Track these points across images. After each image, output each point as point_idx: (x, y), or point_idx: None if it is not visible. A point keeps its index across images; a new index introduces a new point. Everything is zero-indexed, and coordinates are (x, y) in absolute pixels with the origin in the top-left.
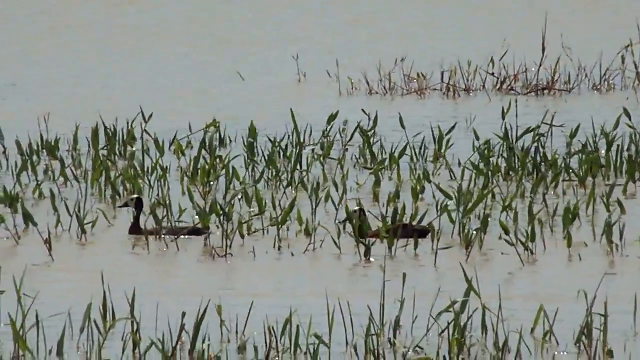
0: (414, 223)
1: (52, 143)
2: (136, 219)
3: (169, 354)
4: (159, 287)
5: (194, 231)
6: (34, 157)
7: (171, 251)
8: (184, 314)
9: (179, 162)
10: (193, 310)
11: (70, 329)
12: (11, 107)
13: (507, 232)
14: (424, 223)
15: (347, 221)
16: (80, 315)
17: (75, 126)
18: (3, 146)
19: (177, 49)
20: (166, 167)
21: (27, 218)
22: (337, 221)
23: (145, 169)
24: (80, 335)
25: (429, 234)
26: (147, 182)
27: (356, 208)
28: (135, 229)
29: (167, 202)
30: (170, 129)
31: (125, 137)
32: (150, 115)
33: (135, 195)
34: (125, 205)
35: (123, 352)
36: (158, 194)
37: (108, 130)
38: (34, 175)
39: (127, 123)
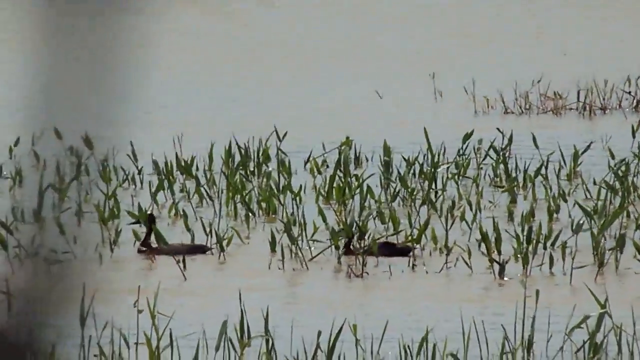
0: (395, 242)
1: (188, 162)
2: (147, 235)
3: None
4: (294, 305)
5: (196, 249)
6: (170, 177)
7: (306, 270)
8: (319, 333)
9: (314, 180)
10: (328, 329)
11: (204, 348)
12: (147, 129)
13: None
14: (559, 242)
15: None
16: (214, 334)
17: (209, 145)
18: (137, 167)
19: (312, 65)
20: (300, 186)
21: (159, 238)
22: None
23: (280, 188)
24: (215, 354)
25: (410, 253)
26: (281, 201)
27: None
28: (145, 244)
29: (302, 220)
30: (305, 148)
31: (259, 155)
32: (285, 134)
33: (148, 213)
34: (137, 222)
35: None
36: (292, 213)
37: (241, 149)
38: (170, 194)
39: (261, 142)
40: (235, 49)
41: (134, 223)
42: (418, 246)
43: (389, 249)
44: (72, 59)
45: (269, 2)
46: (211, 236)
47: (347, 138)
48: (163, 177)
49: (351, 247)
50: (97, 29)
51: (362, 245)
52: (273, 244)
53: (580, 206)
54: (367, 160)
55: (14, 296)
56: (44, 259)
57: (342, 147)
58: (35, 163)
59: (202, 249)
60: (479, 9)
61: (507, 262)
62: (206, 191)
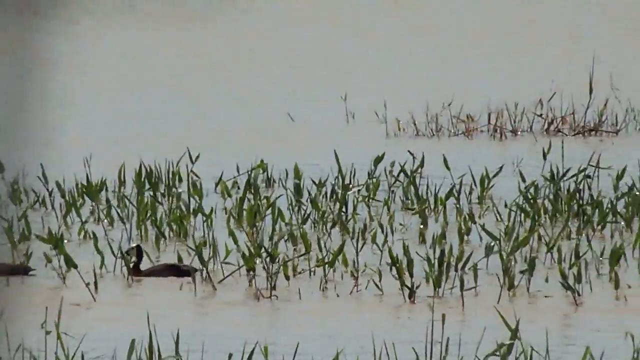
0: (180, 264)
1: (97, 184)
2: (136, 264)
3: None
4: (204, 328)
5: (18, 270)
6: (80, 199)
7: (216, 292)
8: (230, 356)
9: (224, 203)
10: (239, 351)
11: None
12: (54, 151)
13: (564, 277)
14: (470, 264)
15: (126, 255)
16: (124, 356)
17: (118, 168)
18: (47, 189)
19: (221, 88)
20: (212, 208)
21: (68, 262)
22: (119, 253)
23: (191, 210)
24: None
25: (193, 274)
26: (192, 224)
27: (133, 245)
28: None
29: (213, 243)
30: (217, 170)
31: (170, 177)
32: (197, 157)
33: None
34: (127, 253)
35: None
36: (203, 235)
37: (153, 171)
38: (79, 217)
39: (172, 164)
40: (153, 69)
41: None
42: (201, 268)
43: (174, 271)
44: None
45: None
46: (122, 258)
47: (262, 161)
48: (71, 199)
49: (139, 267)
50: (20, 48)
51: (271, 268)
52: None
53: (486, 230)
54: (277, 182)
55: None
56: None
57: (253, 170)
58: None
59: (24, 270)
60: (394, 30)
61: (418, 287)
62: (118, 213)
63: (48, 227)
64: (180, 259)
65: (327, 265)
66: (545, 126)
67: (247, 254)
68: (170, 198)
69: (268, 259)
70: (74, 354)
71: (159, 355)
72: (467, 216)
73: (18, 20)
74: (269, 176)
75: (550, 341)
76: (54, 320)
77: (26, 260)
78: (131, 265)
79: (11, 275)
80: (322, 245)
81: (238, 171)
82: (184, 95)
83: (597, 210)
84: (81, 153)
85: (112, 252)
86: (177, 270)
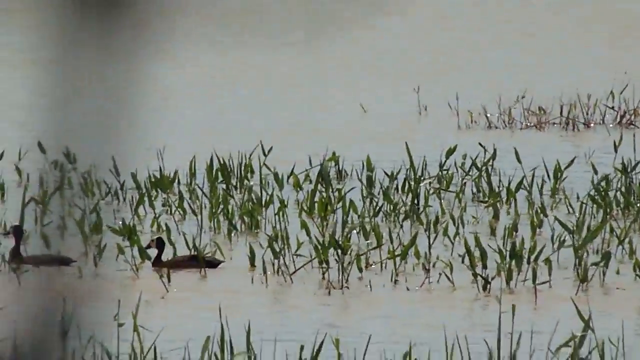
0: (205, 255)
1: (170, 176)
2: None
3: None
4: (277, 320)
5: (59, 261)
6: (152, 191)
7: (288, 285)
8: (302, 347)
9: (297, 195)
10: (310, 343)
11: None
12: (126, 143)
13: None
14: (542, 257)
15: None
16: (198, 349)
17: (191, 160)
18: (119, 182)
19: (293, 81)
20: (283, 200)
21: (142, 254)
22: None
23: (263, 203)
24: None
25: (219, 265)
26: (264, 216)
27: (154, 237)
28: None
29: (285, 235)
30: (289, 162)
31: (242, 171)
32: (270, 149)
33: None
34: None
35: None
36: (275, 227)
37: (226, 164)
38: (152, 208)
39: (244, 157)
40: (223, 63)
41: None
42: (225, 260)
43: (196, 262)
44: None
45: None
46: (194, 250)
47: (334, 154)
48: (144, 191)
49: (161, 258)
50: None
51: (343, 260)
52: (252, 258)
53: (561, 222)
54: (349, 174)
55: None
56: (27, 272)
57: (324, 162)
58: (18, 178)
59: (65, 261)
60: (464, 24)
61: (493, 279)
62: (189, 205)
63: (122, 219)
64: (252, 251)
65: (398, 258)
66: (618, 119)
67: (319, 246)
68: (243, 190)
69: (340, 252)
70: (150, 347)
71: (231, 349)
72: (538, 209)
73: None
74: (341, 168)
75: (624, 332)
76: (128, 312)
77: (99, 253)
78: (153, 257)
79: (51, 266)
80: (394, 237)
81: (310, 164)
82: (256, 86)
83: None
84: (154, 145)
85: (186, 245)
86: (200, 262)
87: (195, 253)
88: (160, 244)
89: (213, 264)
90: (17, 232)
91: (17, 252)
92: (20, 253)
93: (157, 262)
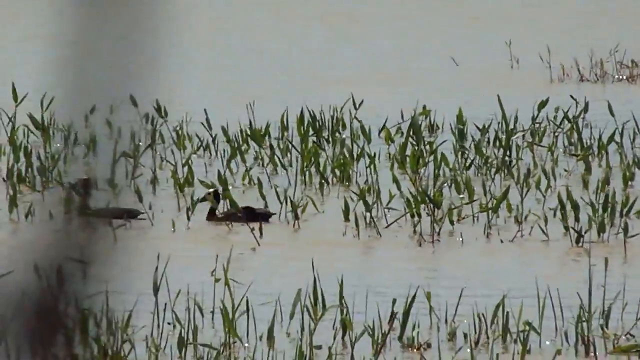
0: (256, 208)
1: (261, 130)
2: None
3: (379, 341)
4: (368, 273)
5: (127, 213)
6: (244, 145)
7: (380, 237)
8: (394, 301)
9: (388, 148)
10: (402, 296)
11: (280, 316)
12: (217, 95)
13: None
14: (634, 210)
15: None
16: (289, 302)
17: (282, 113)
18: (211, 135)
19: (386, 35)
20: (375, 154)
21: (233, 205)
22: (195, 200)
23: (354, 156)
24: (290, 322)
25: (270, 218)
26: (355, 169)
27: (210, 190)
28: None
29: (377, 188)
30: (380, 116)
31: (333, 124)
32: (361, 103)
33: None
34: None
35: (334, 339)
36: (367, 181)
37: (316, 117)
38: (243, 162)
39: (335, 110)
40: (310, 13)
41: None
42: (274, 213)
43: (250, 214)
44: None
45: None
46: (285, 204)
47: (424, 108)
48: (235, 145)
49: (216, 212)
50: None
51: (435, 214)
52: (346, 212)
53: None
54: (440, 128)
55: (89, 264)
56: (118, 227)
57: (414, 115)
58: (109, 131)
59: (132, 214)
60: None
61: (586, 232)
62: (279, 159)
63: (217, 171)
64: (346, 204)
65: (490, 211)
66: None
67: (410, 199)
68: (334, 144)
69: (432, 205)
70: (240, 300)
71: (323, 302)
72: (630, 162)
73: None
74: (432, 122)
75: None
76: (220, 266)
77: (192, 206)
78: (208, 210)
79: (119, 219)
80: (486, 190)
81: (402, 117)
82: (352, 37)
83: None
84: (245, 98)
85: (278, 198)
86: (252, 214)
87: (249, 205)
88: (216, 197)
89: (265, 216)
90: (86, 185)
91: (85, 206)
92: (89, 207)
93: (212, 215)
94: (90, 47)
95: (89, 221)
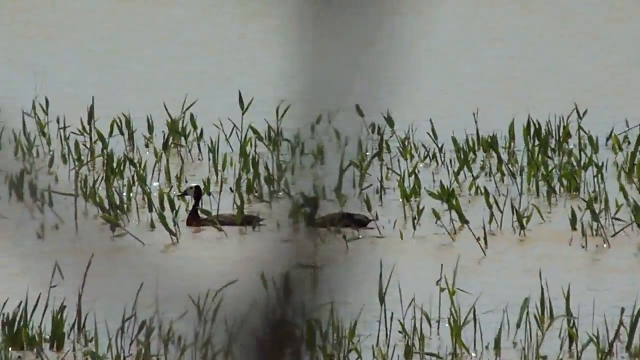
0: (251, 214)
1: (488, 139)
2: (194, 208)
3: (606, 351)
4: (596, 282)
5: (248, 220)
6: (470, 154)
7: (607, 247)
8: (622, 310)
9: (615, 157)
10: (629, 307)
11: (507, 325)
12: (445, 103)
13: None
14: None
15: (184, 195)
16: (515, 312)
17: (505, 122)
18: (437, 145)
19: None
20: (602, 163)
21: (460, 217)
22: (175, 194)
23: (582, 165)
24: (517, 331)
25: (369, 224)
26: (583, 178)
27: (192, 185)
28: (192, 218)
29: (604, 197)
30: (606, 124)
31: (560, 133)
32: (585, 112)
33: (194, 185)
34: (185, 194)
35: (561, 349)
36: (594, 190)
37: (542, 127)
38: (469, 171)
39: (562, 119)
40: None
41: (182, 195)
42: (374, 219)
43: (348, 220)
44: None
45: None
46: (512, 213)
47: None
48: (462, 154)
49: (197, 212)
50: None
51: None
52: (574, 221)
53: None
54: None
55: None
56: (345, 236)
57: None
58: (336, 140)
59: (251, 221)
60: None
61: None
62: (508, 168)
63: (440, 182)
64: (573, 213)
65: None
66: None
67: (638, 209)
68: (561, 153)
69: None
70: (469, 310)
71: (551, 312)
72: None
73: None
74: None
75: None
76: (447, 274)
77: (417, 216)
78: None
79: (237, 226)
80: None
81: (627, 125)
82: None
83: None
84: (470, 107)
85: (498, 207)
86: (350, 220)
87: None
88: (197, 193)
89: (363, 223)
90: (197, 193)
91: (195, 213)
92: (198, 214)
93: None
94: (327, 53)
95: (318, 231)
